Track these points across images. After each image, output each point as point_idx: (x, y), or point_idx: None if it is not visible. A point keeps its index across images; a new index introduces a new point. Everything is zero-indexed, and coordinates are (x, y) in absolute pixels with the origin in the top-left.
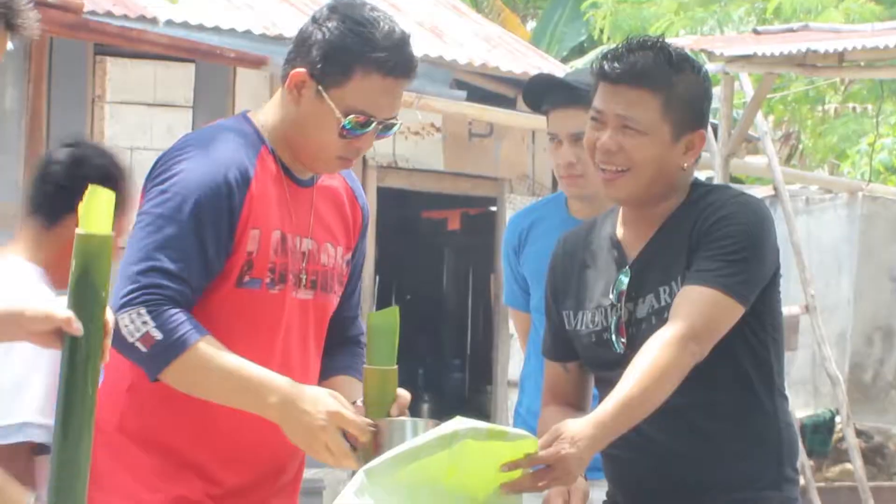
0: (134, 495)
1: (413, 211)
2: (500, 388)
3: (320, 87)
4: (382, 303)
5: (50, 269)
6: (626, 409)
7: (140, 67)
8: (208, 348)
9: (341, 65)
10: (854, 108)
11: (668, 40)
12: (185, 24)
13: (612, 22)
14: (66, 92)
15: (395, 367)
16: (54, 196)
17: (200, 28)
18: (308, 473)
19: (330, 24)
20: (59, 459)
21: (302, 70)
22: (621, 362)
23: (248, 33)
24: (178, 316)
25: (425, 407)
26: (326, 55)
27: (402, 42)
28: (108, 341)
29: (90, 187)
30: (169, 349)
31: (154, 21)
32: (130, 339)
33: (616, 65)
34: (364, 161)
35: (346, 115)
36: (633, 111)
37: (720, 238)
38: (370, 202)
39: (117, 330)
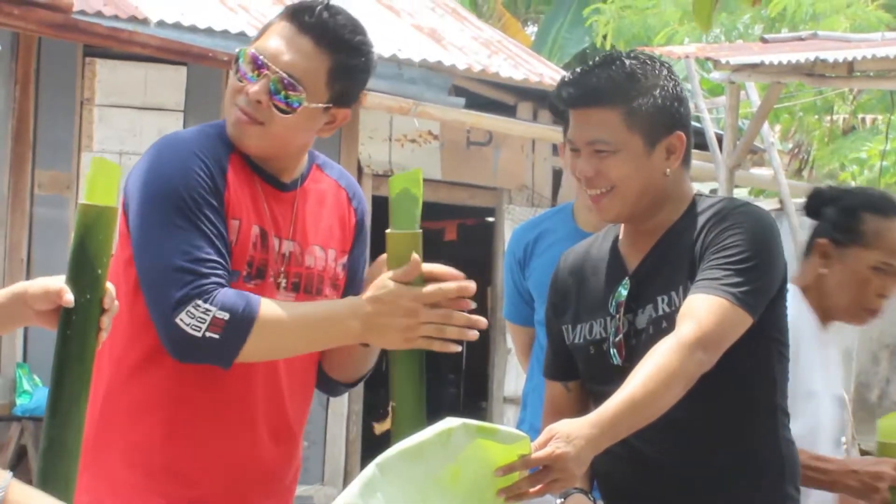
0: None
1: None
2: (495, 404)
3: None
4: None
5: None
6: (628, 412)
7: (130, 69)
8: (271, 308)
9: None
10: (863, 120)
11: (671, 47)
12: (177, 26)
13: (615, 29)
14: (54, 94)
15: (419, 231)
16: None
17: (193, 29)
18: (299, 490)
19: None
20: (48, 437)
21: None
22: (619, 374)
23: (241, 35)
24: (231, 292)
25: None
26: None
27: None
28: (108, 319)
29: (94, 159)
30: (242, 323)
31: (145, 22)
32: (199, 334)
33: (572, 90)
34: (359, 169)
35: None
36: (598, 133)
37: (727, 247)
38: None
39: (184, 333)
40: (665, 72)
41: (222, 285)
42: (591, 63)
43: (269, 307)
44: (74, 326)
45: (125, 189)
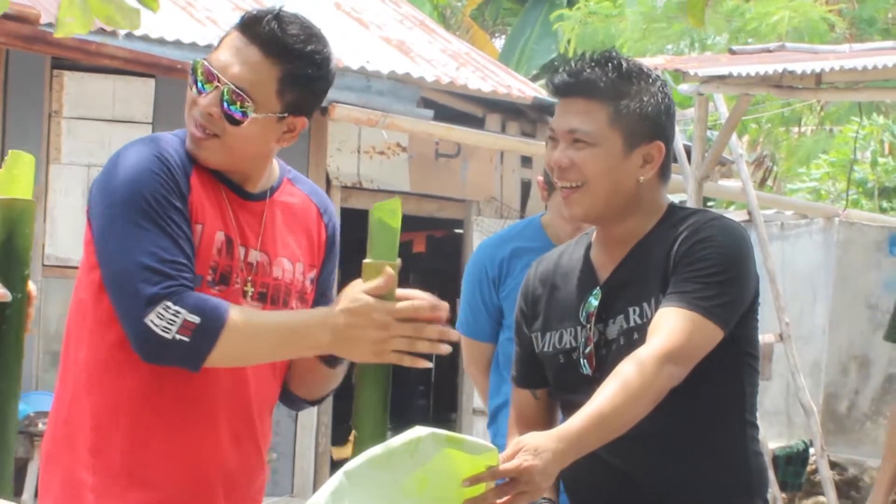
0: None
1: None
2: (465, 416)
3: None
4: None
5: None
6: (595, 426)
7: (98, 82)
8: (241, 313)
9: None
10: (831, 131)
11: (640, 59)
12: (145, 38)
13: (580, 35)
14: (21, 106)
15: (397, 261)
16: None
17: (161, 42)
18: (267, 502)
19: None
20: None
21: None
22: (589, 384)
23: (209, 48)
24: (201, 296)
25: (388, 434)
26: None
27: None
28: (32, 310)
29: (11, 153)
30: (211, 328)
31: (114, 34)
32: (169, 336)
33: (565, 77)
34: (328, 181)
35: None
36: (580, 123)
37: (699, 260)
38: None
39: (153, 334)
40: (659, 83)
41: (189, 288)
42: (588, 57)
43: (238, 313)
44: (11, 321)
45: (90, 196)
